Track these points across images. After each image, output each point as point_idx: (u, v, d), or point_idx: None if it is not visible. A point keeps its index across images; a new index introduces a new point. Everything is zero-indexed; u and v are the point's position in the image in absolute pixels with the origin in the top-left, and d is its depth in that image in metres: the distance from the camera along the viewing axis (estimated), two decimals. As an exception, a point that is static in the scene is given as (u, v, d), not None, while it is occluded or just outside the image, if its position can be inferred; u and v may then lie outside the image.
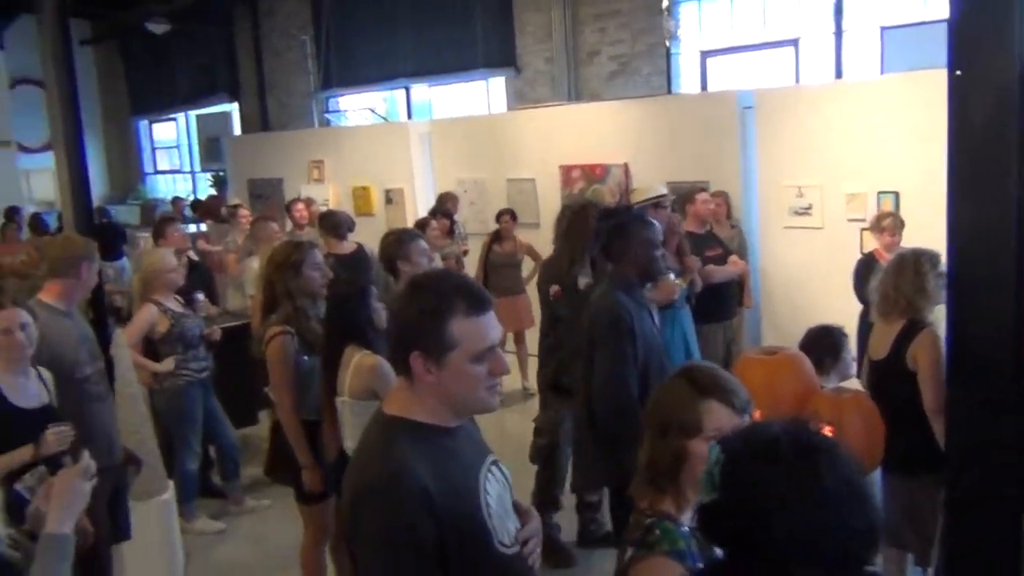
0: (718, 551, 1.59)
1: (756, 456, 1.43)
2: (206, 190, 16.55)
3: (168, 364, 5.34)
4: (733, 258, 6.15)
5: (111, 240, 8.73)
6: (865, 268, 5.44)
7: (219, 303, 7.34)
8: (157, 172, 19.74)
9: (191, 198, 15.87)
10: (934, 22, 8.44)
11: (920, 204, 6.06)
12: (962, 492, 3.07)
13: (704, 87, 10.78)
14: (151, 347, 5.45)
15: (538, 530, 2.04)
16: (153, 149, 19.86)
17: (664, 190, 6.26)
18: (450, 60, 12.70)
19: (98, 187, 17.34)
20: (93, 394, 4.02)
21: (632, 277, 3.67)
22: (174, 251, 6.11)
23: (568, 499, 5.11)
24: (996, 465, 2.92)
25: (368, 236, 7.27)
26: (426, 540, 1.77)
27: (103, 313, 6.43)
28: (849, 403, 3.44)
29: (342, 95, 14.85)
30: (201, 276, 6.62)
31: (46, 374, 3.64)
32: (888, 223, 5.82)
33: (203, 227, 10.98)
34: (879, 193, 6.54)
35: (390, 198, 10.70)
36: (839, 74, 9.79)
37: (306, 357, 4.02)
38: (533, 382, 6.39)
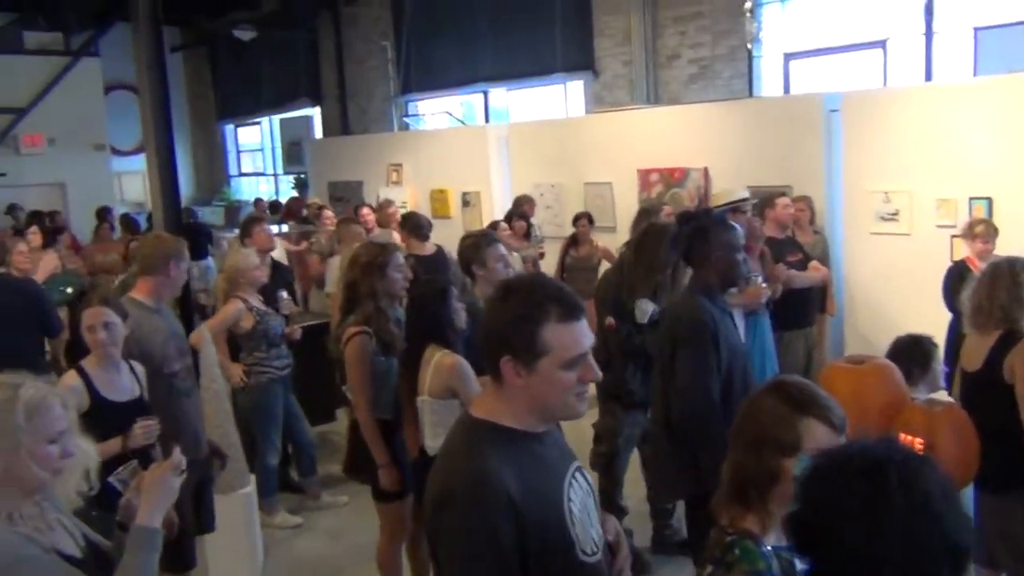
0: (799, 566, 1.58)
1: (830, 469, 1.44)
2: (288, 192, 16.91)
3: (239, 370, 5.49)
4: (814, 264, 6.01)
5: (197, 240, 9.01)
6: (956, 277, 5.26)
7: (299, 302, 7.49)
8: (241, 174, 20.26)
9: (272, 200, 16.24)
10: (1032, 22, 8.12)
11: (1014, 211, 5.84)
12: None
13: (787, 90, 10.57)
14: (234, 343, 5.59)
15: (621, 534, 2.02)
16: (238, 152, 20.39)
17: (745, 194, 6.15)
18: (528, 64, 12.73)
19: (185, 189, 17.85)
20: (181, 389, 4.11)
21: (713, 282, 3.58)
22: (258, 251, 6.24)
23: (633, 503, 5.08)
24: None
25: (445, 239, 7.34)
26: (508, 545, 1.75)
27: (189, 311, 6.65)
28: (941, 416, 3.31)
29: (421, 99, 15.02)
30: (283, 276, 6.76)
31: (139, 369, 3.75)
32: (981, 230, 5.62)
33: (284, 228, 11.21)
34: (971, 199, 6.30)
35: (467, 201, 10.77)
36: (929, 76, 9.48)
37: (383, 357, 4.06)
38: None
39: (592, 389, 2.00)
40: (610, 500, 4.92)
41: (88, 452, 2.19)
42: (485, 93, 13.86)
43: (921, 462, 1.45)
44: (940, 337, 4.65)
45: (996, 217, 5.97)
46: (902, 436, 3.08)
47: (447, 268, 6.37)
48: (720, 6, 10.74)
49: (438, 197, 11.10)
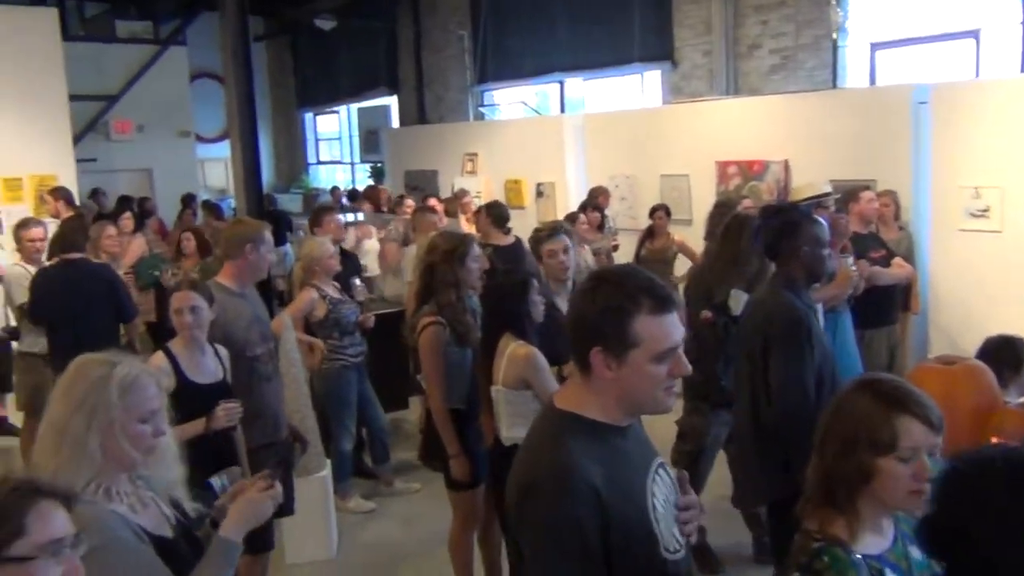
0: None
1: (970, 473, 1.39)
2: (364, 181, 17.14)
3: (320, 345, 5.55)
4: (898, 260, 5.85)
5: (276, 227, 9.19)
6: (1051, 276, 5.05)
7: (372, 290, 7.59)
8: (319, 163, 20.60)
9: (348, 188, 16.47)
10: None
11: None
12: None
13: (873, 81, 10.26)
14: (308, 331, 5.68)
15: (697, 505, 1.97)
16: (316, 140, 20.73)
17: (828, 188, 6.01)
18: (606, 54, 12.62)
19: (265, 176, 18.28)
20: (262, 373, 4.17)
21: (799, 277, 3.48)
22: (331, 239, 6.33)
23: (708, 501, 5.00)
24: None
25: (519, 229, 7.34)
26: (593, 538, 1.74)
27: (269, 296, 6.80)
28: (1035, 421, 3.20)
29: (497, 89, 15.04)
30: (353, 264, 6.85)
31: (223, 352, 3.84)
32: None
33: (359, 216, 11.36)
34: (1068, 196, 6.05)
35: (541, 191, 10.76)
36: (1024, 68, 9.10)
37: (456, 347, 4.07)
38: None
39: (677, 385, 1.97)
40: None
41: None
42: (561, 83, 13.80)
43: None
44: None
45: (1096, 215, 5.71)
46: (993, 440, 2.97)
47: (524, 259, 6.38)
48: (804, -6, 10.49)
49: (512, 187, 11.12)
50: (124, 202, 11.72)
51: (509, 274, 4.10)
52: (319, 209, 7.60)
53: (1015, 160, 6.33)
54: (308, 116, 20.49)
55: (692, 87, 11.55)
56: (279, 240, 9.84)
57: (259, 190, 7.48)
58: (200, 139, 17.27)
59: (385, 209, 10.97)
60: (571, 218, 7.44)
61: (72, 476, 1.99)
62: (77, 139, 11.48)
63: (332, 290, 5.64)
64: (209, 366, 3.75)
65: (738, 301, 4.49)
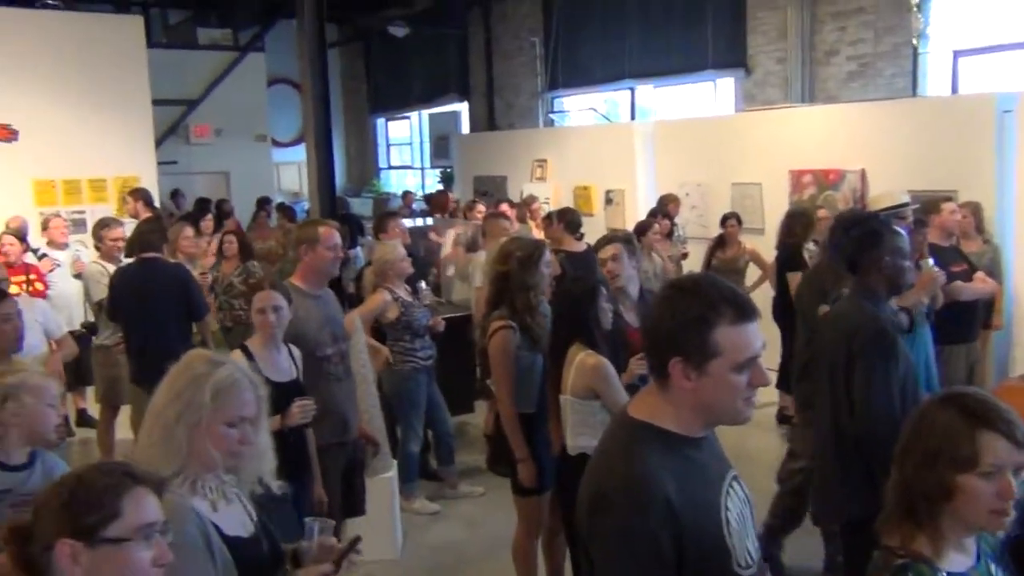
0: None
1: None
2: (433, 186, 17.29)
3: (385, 350, 5.62)
4: (981, 275, 5.65)
5: (348, 230, 9.33)
6: None
7: (439, 294, 7.65)
8: (390, 167, 20.85)
9: (419, 193, 16.64)
10: None
11: None
12: None
13: (955, 89, 9.97)
14: (378, 333, 5.76)
15: None
16: (387, 145, 20.99)
17: (906, 198, 5.86)
18: (678, 61, 12.53)
19: (338, 180, 18.60)
20: (332, 374, 4.24)
21: (880, 289, 3.40)
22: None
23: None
24: None
25: (587, 236, 7.32)
26: (667, 551, 1.72)
27: (341, 299, 6.89)
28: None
29: (567, 95, 15.03)
30: (419, 268, 6.90)
31: (296, 352, 3.92)
32: None
33: (429, 220, 11.46)
34: None
35: (610, 199, 10.72)
36: (1117, 76, 8.75)
37: (527, 352, 4.08)
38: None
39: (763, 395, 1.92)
40: (790, 520, 4.71)
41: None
42: (632, 90, 13.74)
43: None
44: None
45: None
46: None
47: (594, 266, 6.36)
48: (884, 0, 10.25)
49: (581, 194, 11.10)
50: (202, 204, 12.04)
51: (578, 281, 4.09)
52: (384, 215, 7.71)
53: (1107, 172, 6.10)
54: (380, 121, 20.77)
55: (766, 94, 11.39)
56: (351, 243, 10.00)
57: (332, 193, 7.61)
58: (275, 143, 17.63)
59: (448, 214, 11.05)
60: (643, 227, 7.38)
61: (158, 461, 2.05)
62: (158, 142, 11.83)
63: (404, 293, 5.70)
64: (283, 365, 3.82)
65: None
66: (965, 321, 5.42)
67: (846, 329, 3.40)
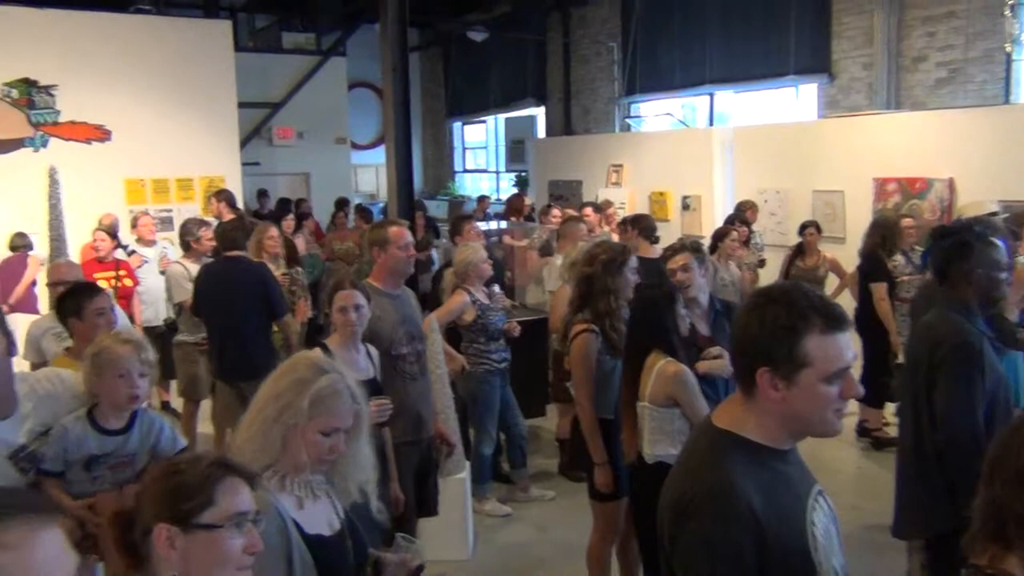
0: None
1: None
2: (508, 189, 17.36)
3: (461, 359, 5.66)
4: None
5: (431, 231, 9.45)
6: None
7: (513, 297, 7.67)
8: (465, 171, 21.02)
9: (495, 197, 16.73)
10: None
11: None
12: None
13: (1050, 96, 9.61)
14: (454, 334, 5.80)
15: None
16: (463, 148, 21.16)
17: (995, 208, 5.68)
18: (760, 66, 12.33)
19: (415, 182, 18.84)
20: (407, 373, 4.29)
21: (971, 301, 3.28)
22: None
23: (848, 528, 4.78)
24: None
25: (663, 242, 7.25)
26: (749, 561, 1.69)
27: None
28: None
29: (644, 101, 14.94)
30: (495, 271, 6.91)
31: (373, 351, 3.98)
32: None
33: (504, 224, 11.50)
34: None
35: (687, 204, 10.62)
36: None
37: (608, 356, 4.07)
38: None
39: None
40: None
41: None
42: (711, 95, 13.59)
43: None
44: None
45: None
46: None
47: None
48: (976, 5, 9.92)
49: (657, 199, 11.02)
50: (284, 204, 12.31)
51: (655, 287, 4.06)
52: (459, 218, 7.77)
53: None
54: (456, 125, 20.95)
55: (850, 101, 11.14)
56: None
57: (410, 196, 7.71)
58: (354, 146, 17.92)
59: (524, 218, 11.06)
60: (720, 234, 7.29)
61: (253, 453, 2.13)
62: (243, 144, 12.14)
63: (482, 296, 5.74)
64: (361, 363, 3.88)
65: None
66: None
67: (930, 340, 3.32)
